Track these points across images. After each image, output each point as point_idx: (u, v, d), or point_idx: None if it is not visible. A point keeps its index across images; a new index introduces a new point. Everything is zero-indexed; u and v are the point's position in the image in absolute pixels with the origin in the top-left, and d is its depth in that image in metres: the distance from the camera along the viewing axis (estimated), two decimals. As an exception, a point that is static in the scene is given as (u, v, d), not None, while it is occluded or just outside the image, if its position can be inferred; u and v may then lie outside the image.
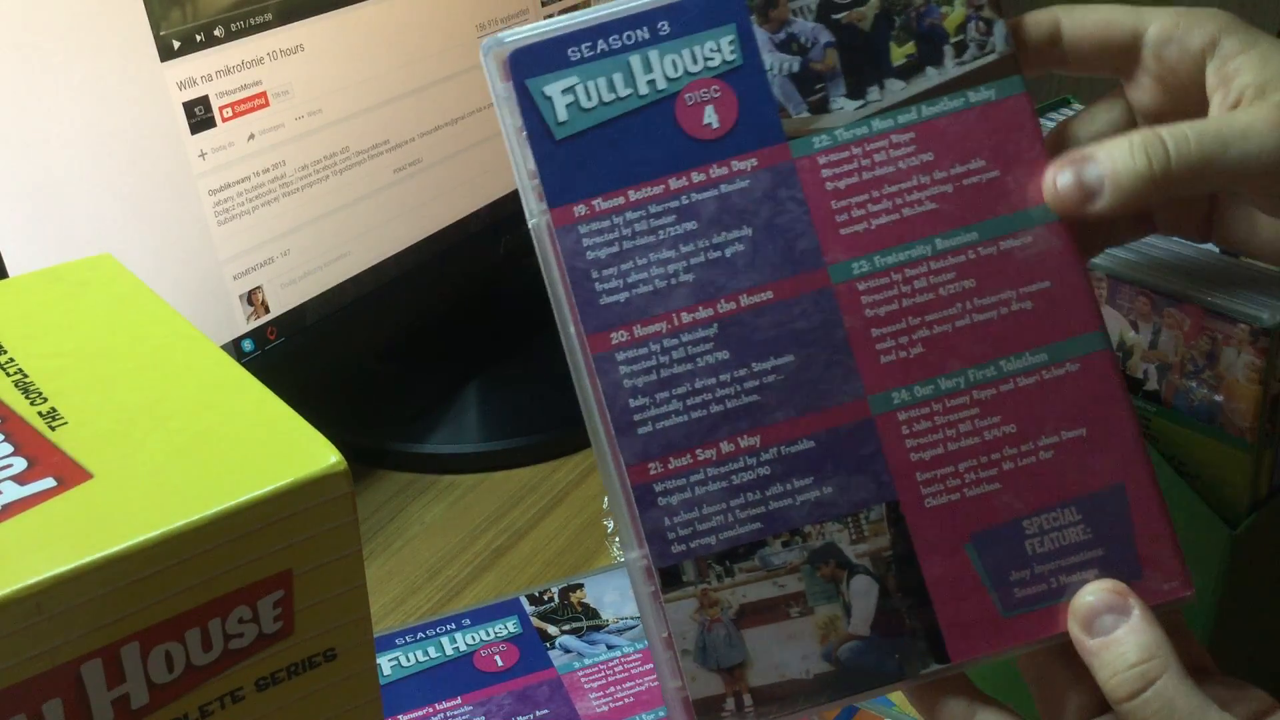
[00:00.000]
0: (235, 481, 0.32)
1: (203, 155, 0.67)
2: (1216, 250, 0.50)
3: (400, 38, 0.76)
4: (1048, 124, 0.59)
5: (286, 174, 0.71)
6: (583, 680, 0.61)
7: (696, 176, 0.41)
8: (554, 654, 0.63)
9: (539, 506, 0.78)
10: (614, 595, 0.66)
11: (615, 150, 0.41)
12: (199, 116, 0.66)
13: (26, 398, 0.36)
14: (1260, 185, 0.42)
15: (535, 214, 0.41)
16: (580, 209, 0.41)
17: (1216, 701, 0.38)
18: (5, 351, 0.38)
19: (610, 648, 0.63)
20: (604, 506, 0.76)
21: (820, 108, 0.42)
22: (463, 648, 0.63)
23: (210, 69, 0.66)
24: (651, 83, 0.41)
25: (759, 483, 0.40)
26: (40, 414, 0.35)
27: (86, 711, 0.31)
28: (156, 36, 0.64)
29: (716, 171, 0.41)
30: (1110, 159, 0.41)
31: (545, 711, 0.60)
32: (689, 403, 0.41)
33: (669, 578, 0.40)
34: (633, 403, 0.40)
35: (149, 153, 0.64)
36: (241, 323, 0.70)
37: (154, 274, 0.65)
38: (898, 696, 0.57)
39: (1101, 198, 0.41)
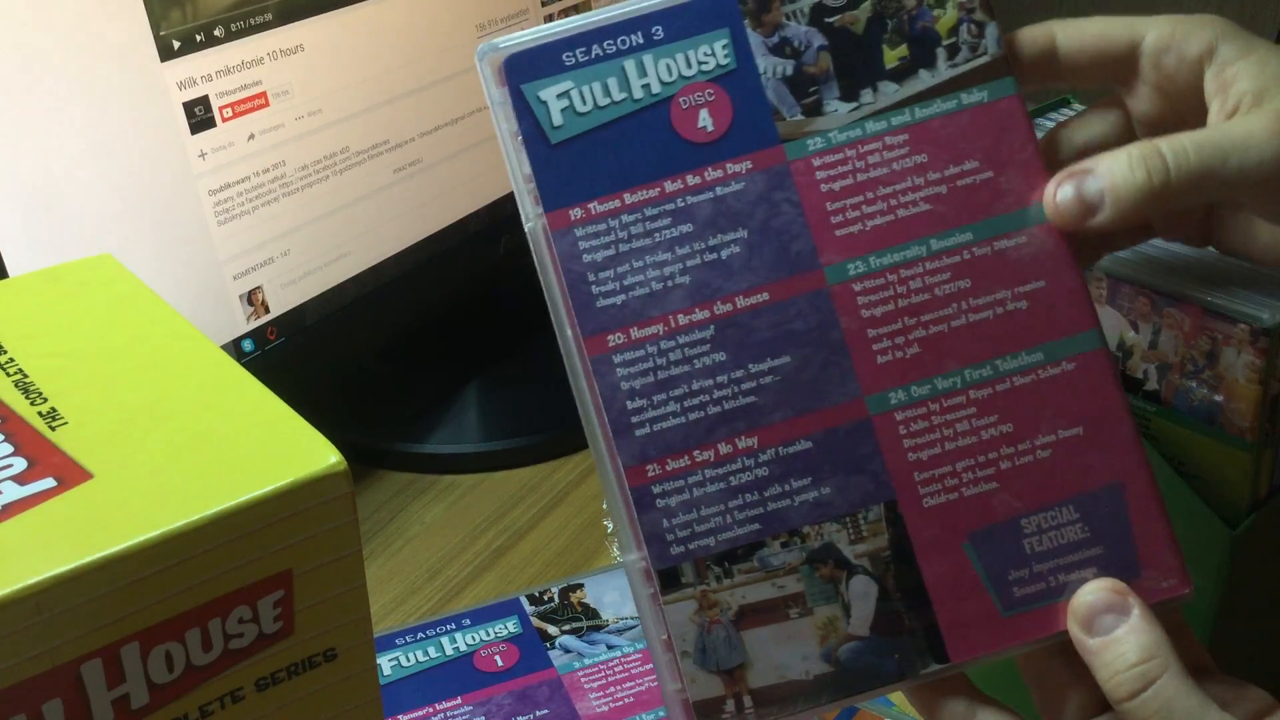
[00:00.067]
0: (235, 481, 0.32)
1: (203, 155, 0.67)
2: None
3: (400, 38, 0.76)
4: (1047, 124, 0.59)
5: (286, 174, 0.71)
6: (583, 680, 0.61)
7: (692, 179, 0.41)
8: (554, 654, 0.63)
9: (539, 506, 0.78)
10: (614, 595, 0.66)
11: (611, 154, 0.41)
12: (199, 116, 0.66)
13: (26, 398, 0.36)
14: (1259, 195, 0.42)
15: (531, 218, 0.41)
16: (576, 212, 0.41)
17: (1216, 701, 0.38)
18: (5, 351, 0.38)
19: (610, 648, 0.63)
20: (604, 507, 0.76)
21: (814, 110, 0.42)
22: (463, 648, 0.63)
23: (210, 69, 0.66)
24: (646, 87, 0.41)
25: (757, 484, 0.41)
26: (40, 414, 0.35)
27: (86, 711, 0.31)
28: (156, 36, 0.64)
29: (712, 174, 0.41)
30: (1109, 173, 0.41)
31: (545, 711, 0.60)
32: (686, 404, 0.41)
33: (668, 579, 0.40)
34: (630, 405, 0.41)
35: (149, 153, 0.64)
36: (241, 323, 0.70)
37: (154, 274, 0.65)
38: (898, 696, 0.57)
39: (1102, 212, 0.41)
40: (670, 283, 0.41)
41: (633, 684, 0.61)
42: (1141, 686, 0.38)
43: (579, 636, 0.64)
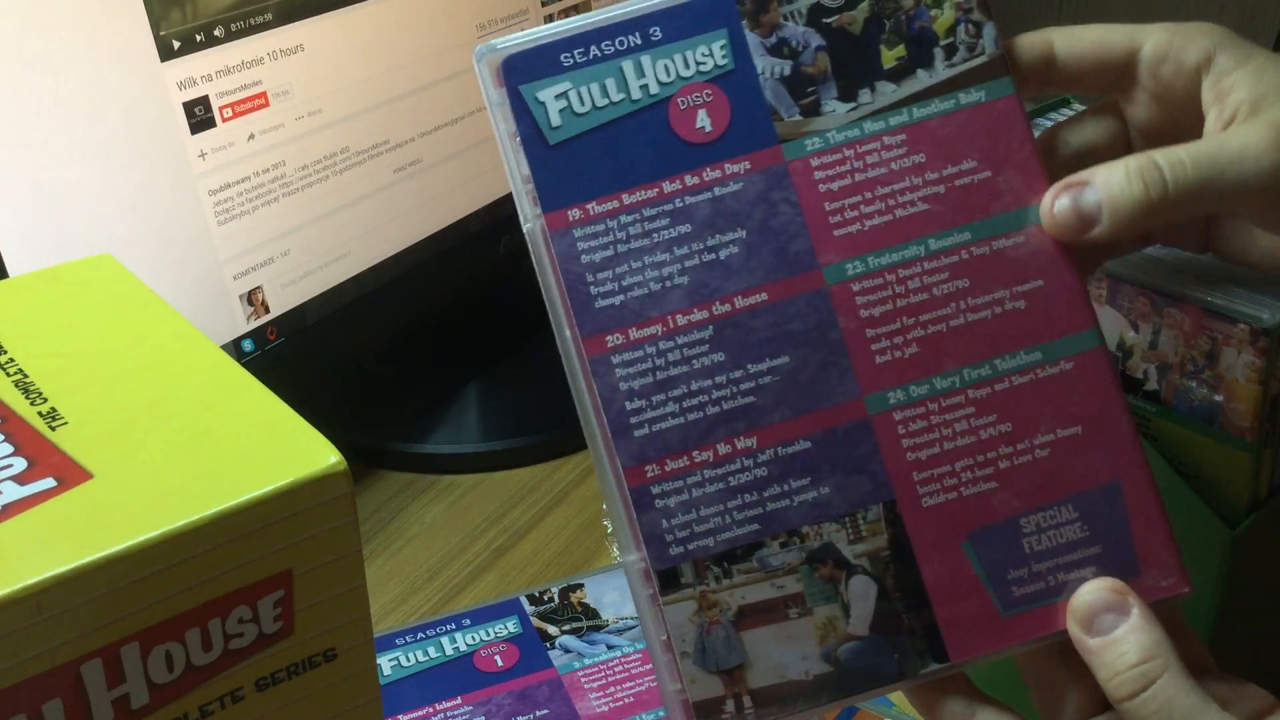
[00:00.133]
0: (235, 481, 0.32)
1: (203, 155, 0.67)
2: (1215, 253, 0.50)
3: (400, 38, 0.76)
4: (1045, 123, 0.59)
5: (286, 174, 0.71)
6: (583, 680, 0.61)
7: (690, 180, 0.41)
8: (554, 654, 0.63)
9: (539, 506, 0.78)
10: (614, 595, 0.66)
11: (609, 154, 0.41)
12: (199, 116, 0.66)
13: (26, 398, 0.36)
14: (1256, 205, 0.42)
15: (530, 219, 0.41)
16: (574, 213, 0.41)
17: (1217, 700, 0.38)
18: (5, 351, 0.38)
19: (610, 648, 0.63)
20: (604, 507, 0.76)
21: (812, 110, 0.42)
22: (463, 648, 0.63)
23: (210, 69, 0.66)
24: (644, 87, 0.41)
25: (756, 484, 0.41)
26: (40, 414, 0.35)
27: (86, 711, 0.31)
28: (156, 36, 0.64)
29: (710, 174, 0.41)
30: (1107, 185, 0.41)
31: (545, 711, 0.60)
32: (685, 404, 0.41)
33: (667, 580, 0.40)
34: (629, 405, 0.41)
35: (149, 153, 0.64)
36: (241, 323, 0.70)
37: (154, 274, 0.65)
38: (898, 696, 0.57)
39: (1099, 225, 0.41)
40: (669, 283, 0.41)
41: (633, 684, 0.61)
42: (1142, 686, 0.38)
43: (579, 636, 0.64)
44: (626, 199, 0.41)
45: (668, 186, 0.41)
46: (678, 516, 0.40)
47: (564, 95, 0.41)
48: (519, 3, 0.84)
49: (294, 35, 0.70)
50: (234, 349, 0.69)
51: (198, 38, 0.66)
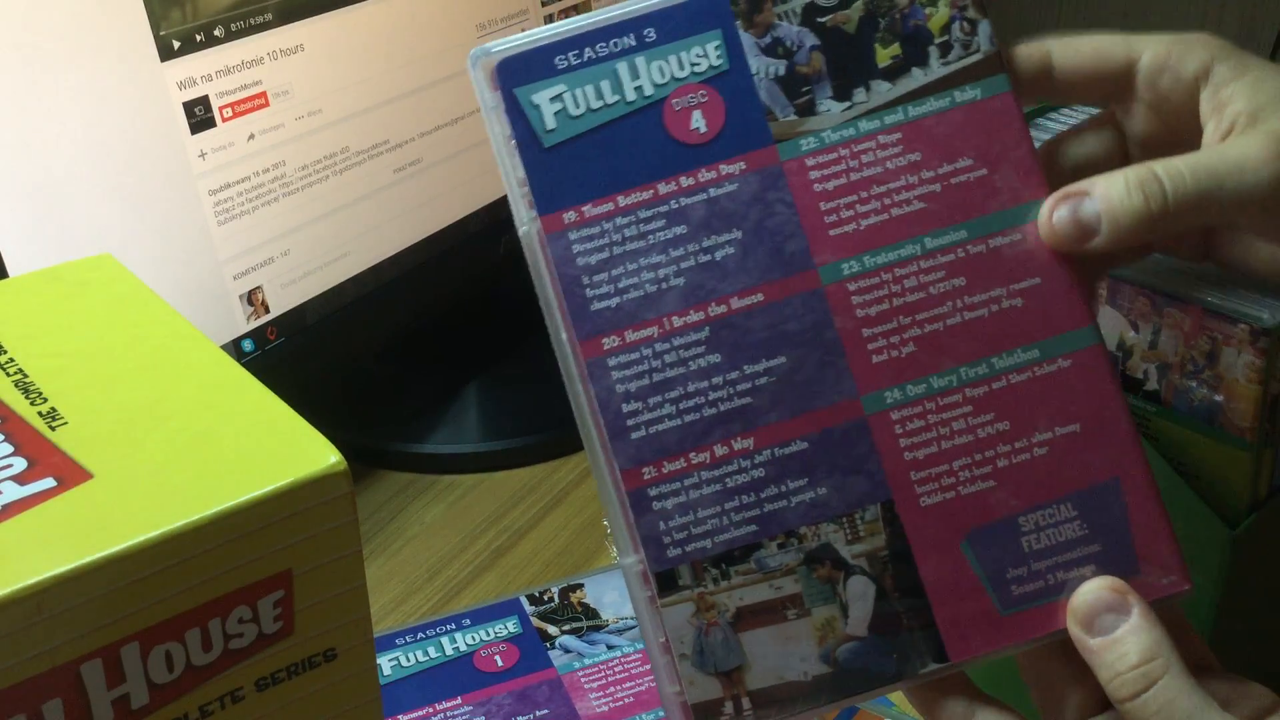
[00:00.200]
0: (235, 481, 0.32)
1: (203, 155, 0.67)
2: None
3: (400, 38, 0.76)
4: (1047, 123, 0.59)
5: (286, 174, 0.71)
6: (583, 680, 0.61)
7: (685, 181, 0.41)
8: (554, 654, 0.63)
9: (539, 506, 0.78)
10: (614, 595, 0.66)
11: (604, 157, 0.41)
12: (199, 116, 0.66)
13: (26, 398, 0.36)
14: (1256, 217, 0.42)
15: (525, 222, 0.41)
16: (570, 215, 0.41)
17: (1218, 699, 0.38)
18: (5, 351, 0.38)
19: (610, 648, 0.63)
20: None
21: (807, 110, 0.42)
22: (463, 648, 0.63)
23: (210, 69, 0.66)
24: (639, 89, 0.41)
25: (753, 485, 0.41)
26: (40, 414, 0.35)
27: (86, 711, 0.31)
28: (156, 36, 0.64)
29: (705, 175, 0.41)
30: (1106, 196, 0.41)
31: (545, 711, 0.60)
32: (682, 406, 0.41)
33: (665, 582, 0.40)
34: (625, 407, 0.41)
35: (149, 153, 0.64)
36: (241, 323, 0.70)
37: (154, 274, 0.65)
38: (898, 696, 0.57)
39: (1099, 236, 0.41)
40: (665, 285, 0.41)
41: (633, 684, 0.61)
42: (1143, 687, 0.38)
43: (579, 636, 0.64)
44: (622, 201, 0.41)
45: (663, 188, 0.41)
46: (675, 518, 0.40)
47: (559, 98, 0.41)
48: (519, 3, 0.84)
49: (294, 35, 0.70)
50: (234, 349, 0.69)
51: (198, 38, 0.66)
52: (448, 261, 0.82)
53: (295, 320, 0.73)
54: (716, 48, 0.42)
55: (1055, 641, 0.40)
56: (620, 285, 0.41)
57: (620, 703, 0.60)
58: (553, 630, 0.64)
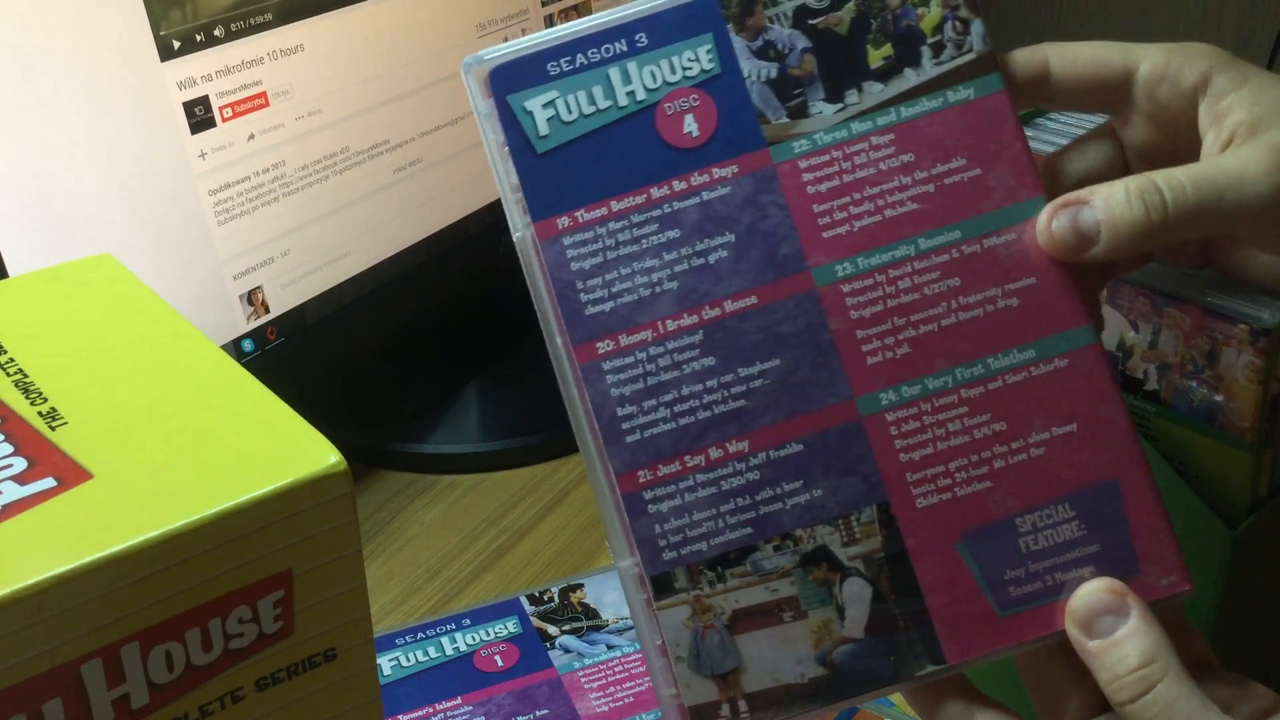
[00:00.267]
0: (235, 481, 0.32)
1: (203, 155, 0.67)
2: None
3: (400, 38, 0.76)
4: (1046, 123, 0.59)
5: (286, 174, 0.71)
6: (583, 680, 0.61)
7: (678, 185, 0.41)
8: (554, 654, 0.63)
9: (539, 506, 0.78)
10: (614, 595, 0.66)
11: (597, 162, 0.41)
12: (199, 116, 0.66)
13: (26, 398, 0.36)
14: (1256, 228, 0.42)
15: (519, 227, 0.42)
16: (564, 221, 0.41)
17: (1219, 701, 0.38)
18: (5, 351, 0.38)
19: (610, 648, 0.63)
20: (604, 506, 0.76)
21: (799, 113, 0.42)
22: (463, 648, 0.64)
23: (210, 69, 0.66)
24: (631, 94, 0.42)
25: (748, 487, 0.41)
26: (40, 414, 0.35)
27: (86, 711, 0.31)
28: (156, 36, 0.64)
29: (698, 179, 0.41)
30: (1106, 205, 0.40)
31: (545, 711, 0.60)
32: (676, 409, 0.41)
33: (661, 585, 0.40)
34: (620, 411, 0.41)
35: (149, 153, 0.64)
36: (241, 323, 0.70)
37: (154, 274, 0.65)
38: (897, 697, 0.57)
39: (1098, 245, 0.41)
40: (658, 289, 0.41)
41: (633, 684, 0.61)
42: (1143, 690, 0.38)
43: (579, 636, 0.64)
44: (615, 206, 0.41)
45: (656, 192, 0.41)
46: (670, 521, 0.40)
47: (551, 104, 0.41)
48: (519, 3, 0.84)
49: (294, 35, 0.70)
50: (234, 349, 0.70)
51: (198, 38, 0.66)
52: (448, 261, 0.82)
53: (295, 320, 0.73)
54: (708, 51, 0.42)
55: (1054, 643, 0.40)
56: (614, 289, 0.41)
57: (620, 703, 0.60)
58: (553, 630, 0.64)
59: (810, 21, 0.42)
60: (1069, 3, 1.39)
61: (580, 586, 0.67)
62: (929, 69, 0.42)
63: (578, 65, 0.42)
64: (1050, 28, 1.38)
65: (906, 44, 0.42)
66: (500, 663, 0.62)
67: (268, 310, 0.71)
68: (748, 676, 0.40)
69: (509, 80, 0.42)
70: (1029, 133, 0.55)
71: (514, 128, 0.41)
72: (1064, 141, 0.55)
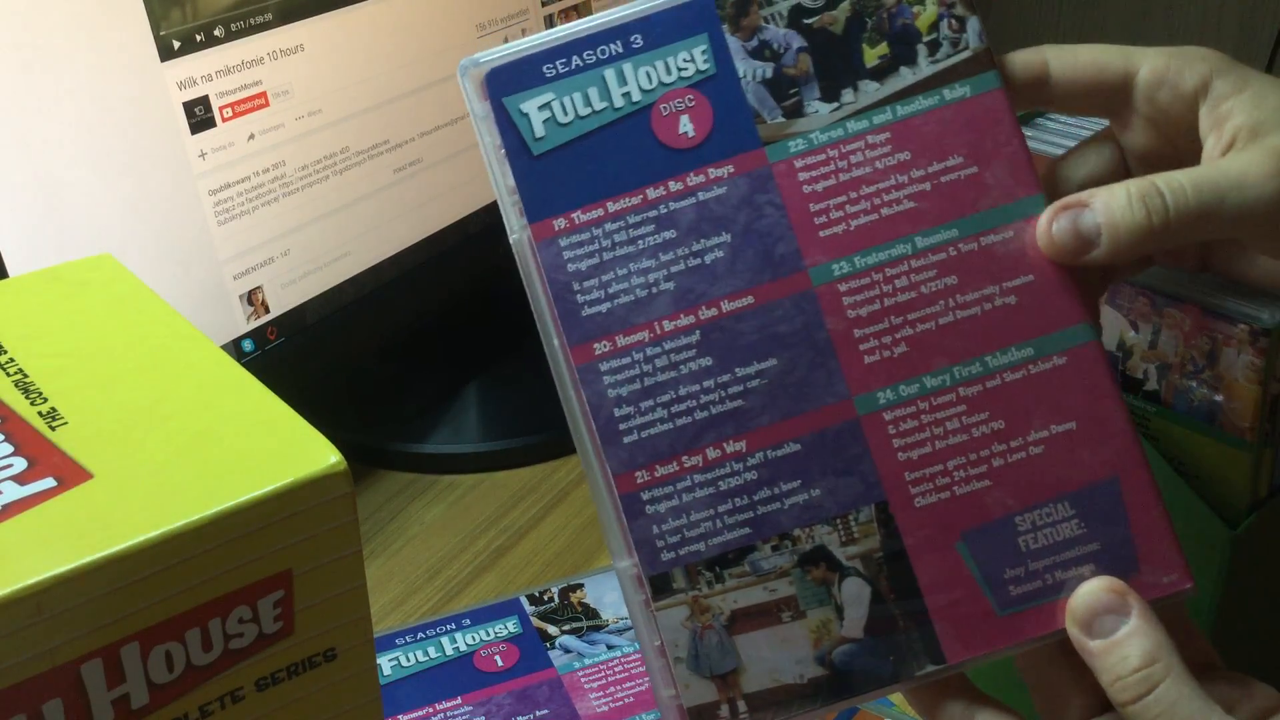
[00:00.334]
0: (235, 481, 0.32)
1: (203, 155, 0.67)
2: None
3: (400, 38, 0.76)
4: (1045, 123, 0.59)
5: (286, 174, 0.71)
6: (583, 680, 0.61)
7: (674, 185, 0.41)
8: (554, 654, 0.63)
9: (539, 506, 0.78)
10: (614, 595, 0.66)
11: (593, 163, 0.41)
12: (199, 116, 0.66)
13: (26, 398, 0.36)
14: (1256, 233, 0.42)
15: (516, 230, 0.42)
16: (560, 222, 0.41)
17: (1221, 700, 0.38)
18: (5, 351, 0.38)
19: (610, 648, 0.63)
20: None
21: (795, 112, 0.42)
22: (463, 648, 0.64)
23: (210, 69, 0.66)
24: (626, 95, 0.42)
25: (746, 487, 0.41)
26: (40, 414, 0.35)
27: (86, 711, 0.31)
28: (156, 36, 0.64)
29: (694, 180, 0.41)
30: (1107, 208, 0.40)
31: (545, 711, 0.60)
32: (674, 410, 0.41)
33: (659, 585, 0.40)
34: (618, 412, 0.41)
35: (149, 153, 0.64)
36: (241, 323, 0.70)
37: (154, 274, 0.65)
38: (898, 697, 0.57)
39: (1098, 247, 0.41)
40: (655, 289, 0.41)
41: (633, 684, 0.61)
42: (1145, 691, 0.38)
43: (579, 636, 0.64)
44: (611, 207, 0.41)
45: (652, 193, 0.41)
46: (668, 522, 0.40)
47: (547, 106, 0.41)
48: (519, 3, 0.84)
49: (294, 35, 0.70)
50: (234, 349, 0.70)
51: (198, 38, 0.66)
52: (448, 261, 0.82)
53: (295, 320, 0.73)
54: (703, 52, 0.42)
55: (1054, 642, 0.40)
56: (611, 290, 0.41)
57: (620, 703, 0.60)
58: (553, 630, 0.64)
59: (805, 21, 0.42)
60: (1069, 2, 1.39)
61: (580, 586, 0.67)
62: (925, 67, 0.42)
63: (573, 67, 0.42)
64: (1050, 27, 1.38)
65: (902, 42, 0.42)
66: (500, 663, 0.62)
67: (268, 310, 0.71)
68: (746, 677, 0.40)
69: (505, 83, 0.42)
70: (1029, 133, 0.55)
71: (510, 130, 0.42)
72: (1064, 141, 0.56)
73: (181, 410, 0.35)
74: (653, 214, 0.41)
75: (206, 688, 0.33)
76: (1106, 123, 0.46)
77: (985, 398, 0.41)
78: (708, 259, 0.41)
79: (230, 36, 0.67)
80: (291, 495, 0.32)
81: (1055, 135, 0.57)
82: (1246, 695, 0.39)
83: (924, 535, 0.40)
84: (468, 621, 0.65)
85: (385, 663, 0.63)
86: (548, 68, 0.42)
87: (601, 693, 0.60)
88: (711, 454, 0.41)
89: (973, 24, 0.42)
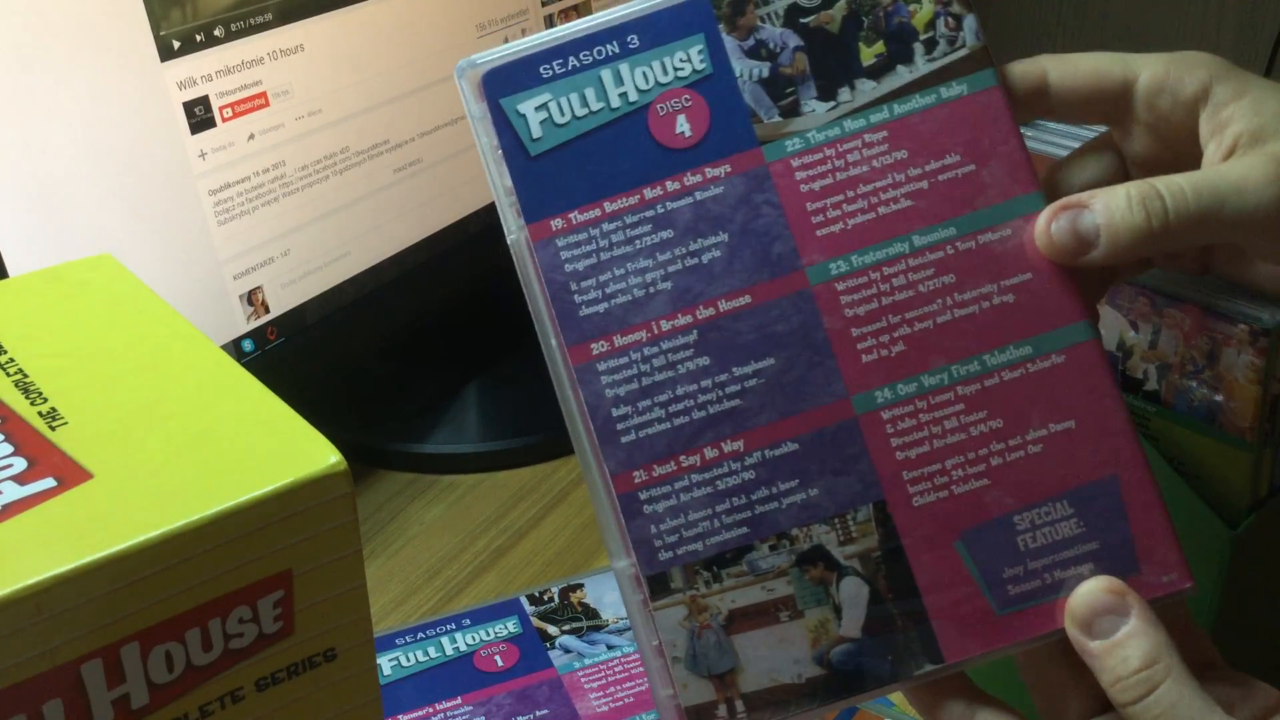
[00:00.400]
0: (235, 481, 0.32)
1: (203, 155, 0.67)
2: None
3: (400, 38, 0.76)
4: (1044, 122, 0.59)
5: (286, 174, 0.71)
6: (583, 680, 0.61)
7: (671, 185, 0.41)
8: (554, 654, 0.63)
9: (539, 506, 0.78)
10: (614, 595, 0.66)
11: (590, 163, 0.41)
12: (199, 116, 0.66)
13: (26, 398, 0.36)
14: (1256, 238, 0.42)
15: (514, 230, 0.42)
16: (557, 223, 0.41)
17: (1222, 700, 0.38)
18: (5, 351, 0.38)
19: (610, 648, 0.63)
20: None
21: (792, 111, 0.42)
22: (463, 648, 0.64)
23: (210, 69, 0.66)
24: (623, 95, 0.42)
25: (744, 487, 0.41)
26: (40, 414, 0.35)
27: (86, 711, 0.31)
28: (156, 36, 0.64)
29: (691, 179, 0.41)
30: (1107, 209, 0.40)
31: (545, 711, 0.60)
32: (671, 410, 0.41)
33: (657, 585, 0.40)
34: (615, 412, 0.41)
35: (149, 153, 0.64)
36: (241, 323, 0.70)
37: (154, 274, 0.65)
38: (898, 696, 0.57)
39: (1097, 249, 0.41)
40: (652, 289, 0.41)
41: (633, 684, 0.61)
42: (1145, 691, 0.38)
43: (579, 636, 0.64)
44: (608, 207, 0.41)
45: (649, 193, 0.41)
46: (666, 522, 0.40)
47: (544, 107, 0.42)
48: (519, 3, 0.84)
49: (294, 35, 0.70)
50: (234, 349, 0.70)
51: (198, 38, 0.66)
52: (448, 261, 0.82)
53: (295, 320, 0.73)
54: (700, 52, 0.42)
55: (1054, 641, 0.40)
56: (608, 290, 0.41)
57: (620, 703, 0.60)
58: (553, 630, 0.64)
59: (802, 20, 0.42)
60: (1069, 2, 1.39)
61: (580, 586, 0.67)
62: (922, 66, 0.42)
63: (570, 68, 0.42)
64: (1050, 27, 1.38)
65: (899, 41, 0.42)
66: (500, 663, 0.62)
67: (268, 310, 0.71)
68: (744, 676, 0.40)
69: (502, 84, 0.42)
70: (1028, 134, 0.55)
71: (507, 131, 0.42)
72: (1063, 142, 0.56)
73: (181, 410, 0.35)
74: (650, 214, 0.41)
75: (206, 688, 0.33)
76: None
77: (983, 396, 0.41)
78: (705, 259, 0.41)
79: (230, 36, 0.67)
80: (291, 495, 0.32)
81: (1055, 135, 0.57)
82: (1247, 695, 0.39)
83: (922, 534, 0.40)
84: (468, 621, 0.65)
85: (385, 663, 0.63)
86: (545, 68, 0.42)
87: (601, 693, 0.60)
88: (709, 454, 0.41)
89: (969, 22, 0.42)
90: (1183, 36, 1.33)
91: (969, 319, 0.41)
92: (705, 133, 0.42)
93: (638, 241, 0.41)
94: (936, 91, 0.42)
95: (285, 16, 0.70)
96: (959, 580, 0.40)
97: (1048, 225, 0.41)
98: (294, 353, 0.73)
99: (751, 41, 0.42)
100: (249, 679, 0.33)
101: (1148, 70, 0.43)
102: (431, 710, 0.60)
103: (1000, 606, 0.40)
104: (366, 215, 0.76)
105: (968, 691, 0.41)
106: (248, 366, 0.38)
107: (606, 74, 0.42)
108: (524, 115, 0.42)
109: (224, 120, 0.67)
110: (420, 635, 0.64)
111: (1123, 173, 0.46)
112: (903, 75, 0.42)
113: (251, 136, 0.69)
